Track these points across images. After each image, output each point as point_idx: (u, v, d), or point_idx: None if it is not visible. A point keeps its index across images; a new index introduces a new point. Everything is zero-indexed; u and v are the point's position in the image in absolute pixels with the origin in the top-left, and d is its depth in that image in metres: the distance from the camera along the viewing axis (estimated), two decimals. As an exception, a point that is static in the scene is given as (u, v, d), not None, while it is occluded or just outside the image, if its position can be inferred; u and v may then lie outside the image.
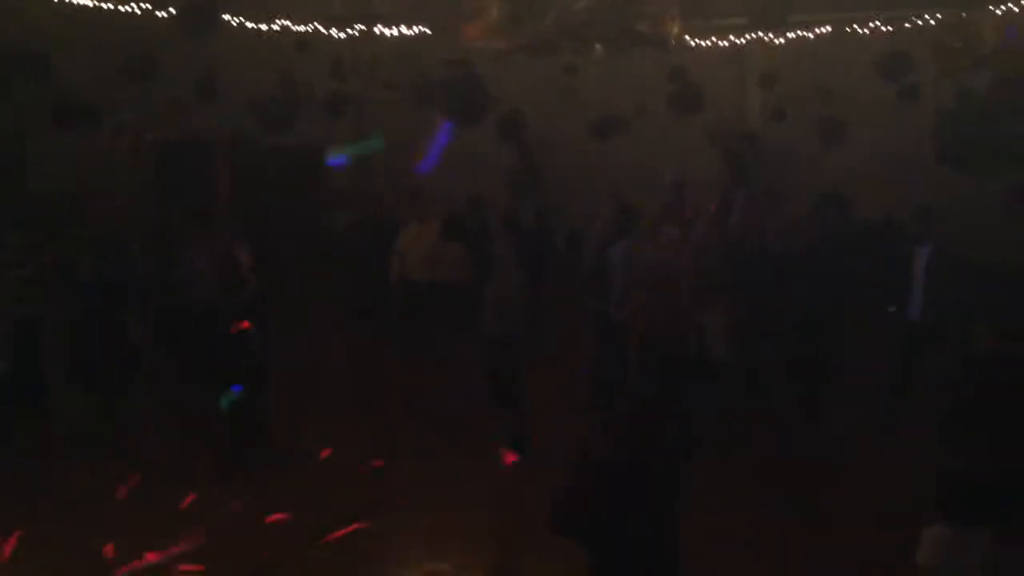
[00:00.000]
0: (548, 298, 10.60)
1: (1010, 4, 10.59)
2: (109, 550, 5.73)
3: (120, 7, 10.14)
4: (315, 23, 11.67)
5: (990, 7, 10.43)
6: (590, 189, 12.70)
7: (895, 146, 12.02)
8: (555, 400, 8.49)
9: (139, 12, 10.09)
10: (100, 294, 8.18)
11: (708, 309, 7.87)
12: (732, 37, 12.03)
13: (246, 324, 7.25)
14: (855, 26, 11.36)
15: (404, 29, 12.14)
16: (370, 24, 11.54)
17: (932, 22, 10.02)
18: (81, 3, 9.56)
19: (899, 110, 11.30)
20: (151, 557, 5.69)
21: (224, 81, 11.71)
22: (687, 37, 11.54)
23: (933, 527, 3.90)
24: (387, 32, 11.97)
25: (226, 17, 10.92)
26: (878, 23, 11.16)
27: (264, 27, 11.58)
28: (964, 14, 9.48)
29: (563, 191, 13.72)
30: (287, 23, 11.68)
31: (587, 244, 9.75)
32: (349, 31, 11.75)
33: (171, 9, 9.02)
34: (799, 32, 11.75)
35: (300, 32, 11.87)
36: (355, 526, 6.18)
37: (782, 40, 11.96)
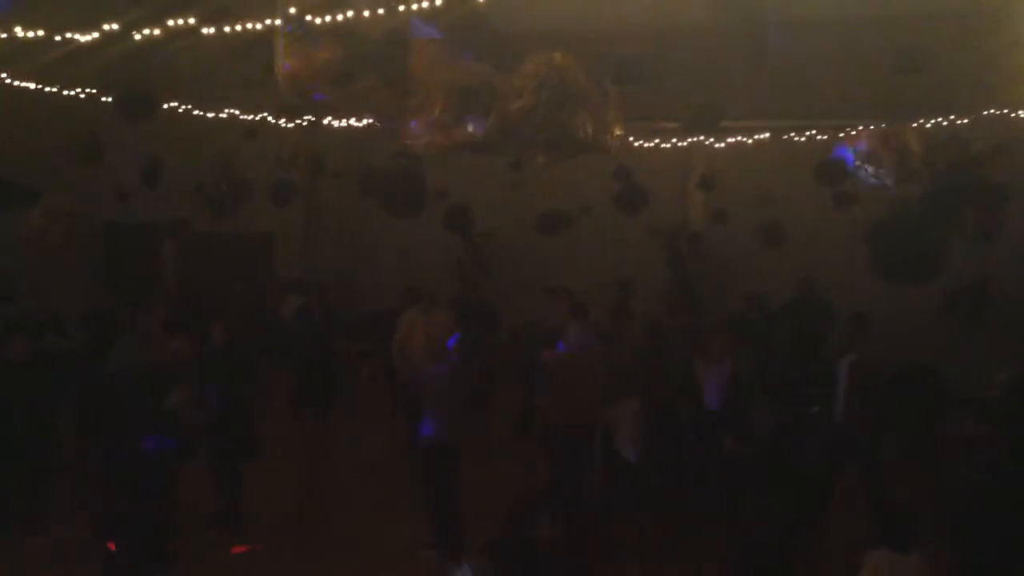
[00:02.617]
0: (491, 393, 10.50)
1: (939, 119, 11.05)
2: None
3: (65, 91, 10.12)
4: (264, 113, 11.75)
5: (920, 120, 10.87)
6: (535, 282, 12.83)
7: (831, 250, 12.31)
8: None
9: (83, 96, 10.06)
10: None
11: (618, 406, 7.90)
12: (675, 140, 12.31)
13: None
14: (792, 134, 11.71)
15: (353, 121, 12.25)
16: (319, 115, 11.63)
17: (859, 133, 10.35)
18: (24, 85, 9.52)
19: (835, 215, 11.64)
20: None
21: (170, 167, 11.79)
22: (631, 139, 11.78)
23: (873, 551, 4.73)
24: (336, 124, 12.07)
25: (174, 104, 11.00)
26: (814, 132, 11.53)
27: (212, 115, 11.63)
28: (894, 127, 9.80)
29: (508, 284, 13.82)
30: (236, 112, 11.75)
31: (533, 337, 9.75)
32: (298, 122, 11.82)
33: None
34: (739, 137, 12.08)
35: (249, 121, 11.94)
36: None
37: (723, 144, 12.27)
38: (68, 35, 7.44)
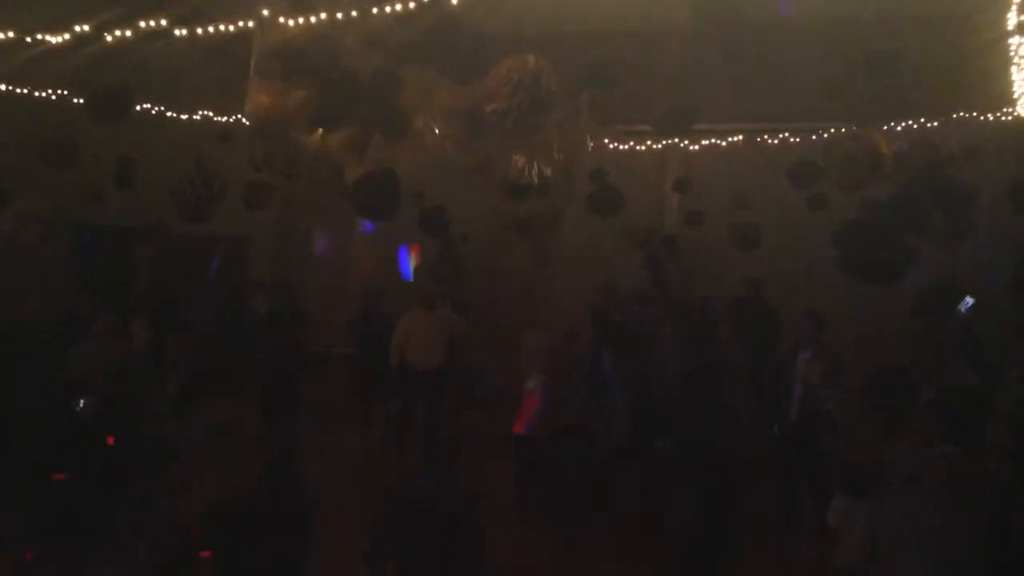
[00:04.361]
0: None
1: (910, 121, 11.18)
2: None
3: (37, 93, 10.03)
4: (238, 114, 11.68)
5: (892, 123, 10.98)
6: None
7: (806, 252, 12.39)
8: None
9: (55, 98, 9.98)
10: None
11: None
12: (650, 142, 12.37)
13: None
14: (765, 136, 11.80)
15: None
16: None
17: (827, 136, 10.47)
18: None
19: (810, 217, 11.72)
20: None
21: (144, 169, 11.69)
22: (605, 141, 11.84)
23: (838, 498, 5.49)
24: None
25: (147, 106, 10.94)
26: (787, 134, 11.63)
27: (186, 117, 11.58)
28: (864, 129, 9.88)
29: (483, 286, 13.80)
30: (209, 114, 11.70)
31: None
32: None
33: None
34: (712, 140, 12.16)
35: (223, 122, 11.89)
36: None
37: (697, 147, 12.34)
38: (39, 36, 7.38)
